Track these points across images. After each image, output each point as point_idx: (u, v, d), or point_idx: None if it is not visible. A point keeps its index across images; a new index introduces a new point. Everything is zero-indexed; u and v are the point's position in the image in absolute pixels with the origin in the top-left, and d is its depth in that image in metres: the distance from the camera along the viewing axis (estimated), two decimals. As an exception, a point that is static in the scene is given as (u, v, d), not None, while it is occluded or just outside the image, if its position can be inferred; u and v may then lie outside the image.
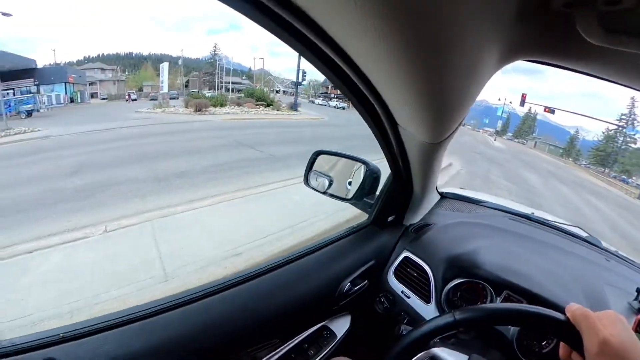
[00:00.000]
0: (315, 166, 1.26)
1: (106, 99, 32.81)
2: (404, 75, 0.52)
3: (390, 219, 1.26)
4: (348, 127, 16.13)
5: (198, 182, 6.50)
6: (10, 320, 2.63)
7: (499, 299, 1.00)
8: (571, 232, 1.44)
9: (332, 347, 1.07)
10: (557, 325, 0.49)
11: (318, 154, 1.26)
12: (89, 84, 32.15)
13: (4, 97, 17.24)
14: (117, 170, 7.14)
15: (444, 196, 1.53)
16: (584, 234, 1.44)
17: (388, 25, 0.38)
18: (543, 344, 0.89)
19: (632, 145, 51.66)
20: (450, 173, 10.24)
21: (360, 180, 1.17)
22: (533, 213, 1.58)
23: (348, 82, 0.64)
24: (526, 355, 0.88)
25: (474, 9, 0.41)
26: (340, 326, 1.14)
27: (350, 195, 1.21)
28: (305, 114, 27.26)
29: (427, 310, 1.09)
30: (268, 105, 30.19)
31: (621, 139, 53.49)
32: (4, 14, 19.07)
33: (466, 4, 0.39)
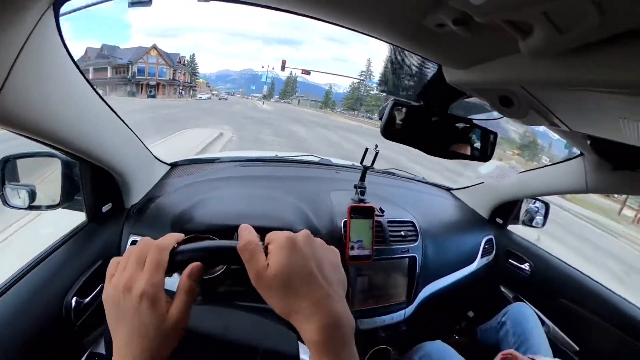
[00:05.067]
0: (9, 178, 0.98)
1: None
2: None
3: (106, 209, 1.11)
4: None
5: None
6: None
7: None
8: (306, 161, 1.68)
9: None
10: (231, 254, 0.41)
11: (6, 160, 0.97)
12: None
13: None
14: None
15: (175, 165, 1.47)
16: (316, 159, 1.72)
17: None
18: None
19: (371, 92, 77.27)
20: (223, 142, 10.48)
21: (61, 178, 0.99)
22: (277, 155, 1.70)
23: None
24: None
25: None
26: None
27: (58, 199, 1.01)
28: None
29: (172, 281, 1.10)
30: None
31: (362, 89, 79.21)
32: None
33: None
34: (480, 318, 1.60)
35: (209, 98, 49.46)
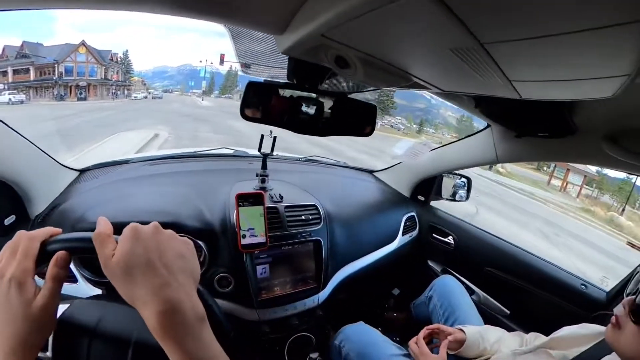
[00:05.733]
0: None
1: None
2: None
3: (8, 221, 1.08)
4: None
5: None
6: None
7: None
8: (219, 154, 1.66)
9: None
10: (88, 245, 0.43)
11: None
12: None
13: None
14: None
15: (84, 170, 1.42)
16: (231, 152, 1.71)
17: None
18: None
19: None
20: (158, 143, 10.04)
21: None
22: (195, 151, 1.66)
23: None
24: None
25: None
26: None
27: None
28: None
29: (77, 289, 1.00)
30: None
31: None
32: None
33: None
34: (412, 294, 1.64)
35: (145, 97, 46.65)
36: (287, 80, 0.70)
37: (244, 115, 0.68)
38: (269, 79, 0.71)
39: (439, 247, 1.76)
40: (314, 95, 0.70)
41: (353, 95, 0.77)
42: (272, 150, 1.26)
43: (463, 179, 1.80)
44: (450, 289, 1.39)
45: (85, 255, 0.45)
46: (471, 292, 1.56)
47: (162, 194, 1.19)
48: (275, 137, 1.23)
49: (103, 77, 47.63)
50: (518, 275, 1.47)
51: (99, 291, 0.97)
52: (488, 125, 1.29)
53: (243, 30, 0.57)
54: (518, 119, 1.07)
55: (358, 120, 0.78)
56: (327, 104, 0.72)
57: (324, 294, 1.20)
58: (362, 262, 1.39)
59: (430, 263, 1.82)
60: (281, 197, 1.21)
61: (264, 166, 1.24)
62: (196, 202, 1.15)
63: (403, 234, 1.63)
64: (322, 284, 1.18)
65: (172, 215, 1.05)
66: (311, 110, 0.70)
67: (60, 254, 0.44)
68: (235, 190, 1.20)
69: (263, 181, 1.23)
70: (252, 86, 0.67)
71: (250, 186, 1.24)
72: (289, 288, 1.12)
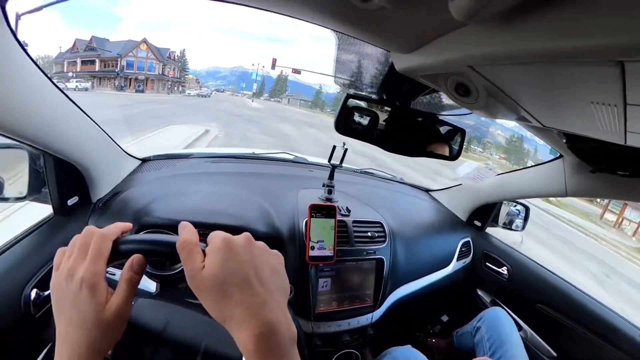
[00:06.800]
0: None
1: None
2: None
3: (71, 202, 1.10)
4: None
5: None
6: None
7: None
8: (279, 158, 1.67)
9: None
10: (172, 250, 0.41)
11: None
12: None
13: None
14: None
15: (147, 160, 1.46)
16: (291, 157, 1.71)
17: None
18: None
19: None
20: (209, 139, 10.42)
21: (27, 169, 0.98)
22: (253, 152, 1.69)
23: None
24: None
25: None
26: None
27: (26, 192, 1.00)
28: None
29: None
30: None
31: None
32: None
33: None
34: (457, 322, 1.57)
35: (197, 95, 49.33)
36: (378, 96, 0.69)
37: (339, 129, 0.67)
38: (358, 92, 0.70)
39: (491, 276, 1.67)
40: (406, 114, 0.69)
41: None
42: (342, 161, 1.25)
43: (519, 207, 1.71)
44: (501, 323, 1.32)
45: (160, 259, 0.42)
46: (519, 327, 1.46)
47: (227, 194, 1.20)
48: (346, 149, 1.22)
49: (160, 72, 50.95)
50: (570, 316, 1.36)
51: (151, 283, 0.95)
52: (560, 156, 1.21)
53: (357, 41, 0.56)
54: (596, 153, 1.00)
55: (446, 143, 0.76)
56: (417, 124, 0.70)
57: (378, 313, 1.17)
58: (417, 284, 1.34)
59: (480, 292, 1.72)
60: (348, 211, 1.19)
61: (331, 177, 1.23)
62: (265, 206, 1.14)
63: (458, 259, 1.57)
64: (378, 302, 1.16)
65: (241, 219, 1.05)
66: (401, 129, 0.68)
67: (137, 258, 0.42)
68: (301, 197, 1.20)
69: (330, 192, 1.22)
70: (348, 100, 0.66)
71: (314, 195, 1.24)
72: (346, 304, 1.10)
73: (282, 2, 0.47)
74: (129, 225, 0.45)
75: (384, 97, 0.69)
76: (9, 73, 0.62)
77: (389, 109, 0.68)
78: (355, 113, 0.66)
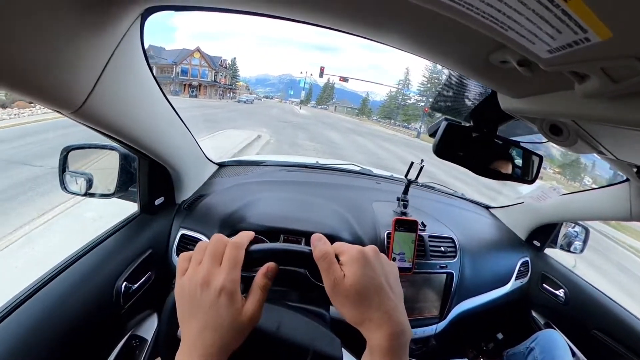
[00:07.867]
0: (70, 166, 1.06)
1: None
2: None
3: (158, 202, 1.16)
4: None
5: None
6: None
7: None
8: (346, 169, 1.73)
9: (146, 354, 1.00)
10: (306, 259, 0.44)
11: (68, 150, 1.05)
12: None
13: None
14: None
15: (223, 165, 1.53)
16: (357, 169, 1.76)
17: None
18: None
19: (408, 101, 79.70)
20: (260, 144, 10.74)
21: (118, 169, 1.06)
22: (317, 162, 1.77)
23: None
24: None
25: None
26: (148, 329, 1.06)
27: (113, 189, 1.07)
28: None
29: None
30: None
31: (400, 97, 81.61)
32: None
33: None
34: (509, 341, 1.56)
35: (247, 101, 51.26)
36: (468, 123, 0.76)
37: (439, 154, 0.73)
38: (454, 119, 0.75)
39: (547, 298, 1.62)
40: (491, 140, 0.77)
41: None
42: (417, 178, 1.30)
43: (578, 229, 1.66)
44: (556, 346, 1.29)
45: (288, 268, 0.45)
46: (572, 353, 1.42)
47: (308, 203, 1.25)
48: (423, 167, 1.27)
49: (213, 79, 53.51)
50: (628, 346, 1.31)
51: None
52: (626, 179, 1.21)
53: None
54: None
55: (527, 169, 0.83)
56: (501, 148, 0.79)
57: (442, 324, 1.21)
58: (477, 300, 1.37)
59: (534, 313, 1.70)
60: (424, 226, 1.24)
61: (406, 192, 1.29)
62: (346, 216, 1.20)
63: (516, 278, 1.57)
64: (443, 315, 1.20)
65: (330, 228, 1.11)
66: (490, 152, 0.76)
67: (272, 266, 0.45)
68: (377, 209, 1.26)
69: (405, 207, 1.27)
70: (449, 126, 0.72)
71: (388, 208, 1.30)
72: (415, 314, 1.16)
73: (426, 50, 0.49)
74: (252, 234, 0.48)
75: (474, 124, 0.75)
76: (134, 83, 0.66)
77: (477, 134, 0.75)
78: (452, 139, 0.72)
